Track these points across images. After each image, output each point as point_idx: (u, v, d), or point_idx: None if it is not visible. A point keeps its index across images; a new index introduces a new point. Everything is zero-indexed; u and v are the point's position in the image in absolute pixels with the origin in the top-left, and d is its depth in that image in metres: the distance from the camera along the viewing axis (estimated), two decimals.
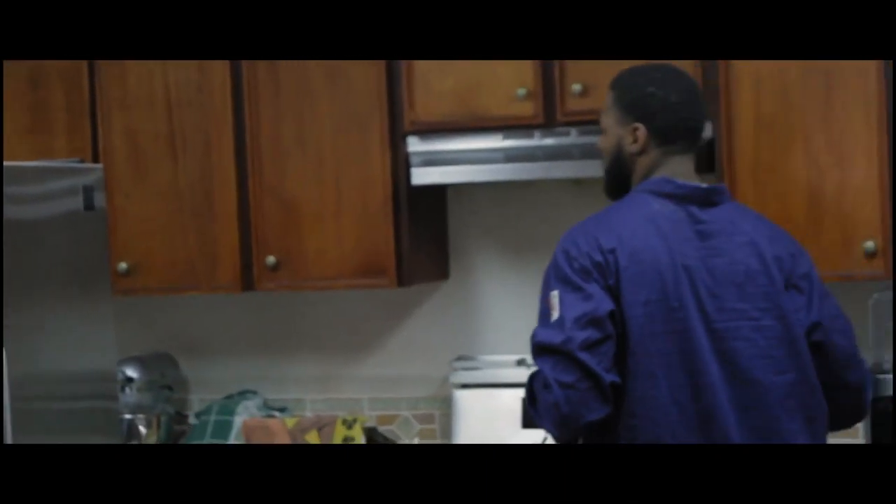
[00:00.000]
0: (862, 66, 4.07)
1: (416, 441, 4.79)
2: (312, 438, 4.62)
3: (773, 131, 4.12)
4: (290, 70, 4.54)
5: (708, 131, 4.17)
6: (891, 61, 4.04)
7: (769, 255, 3.08)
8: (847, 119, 4.08)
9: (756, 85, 4.14)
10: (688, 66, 4.13)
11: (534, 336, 2.98)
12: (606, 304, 2.94)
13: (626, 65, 4.13)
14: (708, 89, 4.18)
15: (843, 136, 4.09)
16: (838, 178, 4.09)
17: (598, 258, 2.99)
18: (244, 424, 4.68)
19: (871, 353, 4.21)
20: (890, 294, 4.22)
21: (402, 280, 4.51)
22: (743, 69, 4.14)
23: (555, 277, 3.00)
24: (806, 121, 4.11)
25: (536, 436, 4.43)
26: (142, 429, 4.69)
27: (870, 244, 4.06)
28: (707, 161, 4.22)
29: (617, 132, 3.21)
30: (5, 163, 3.81)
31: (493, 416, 4.58)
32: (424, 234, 4.64)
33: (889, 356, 4.17)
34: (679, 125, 3.16)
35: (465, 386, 4.64)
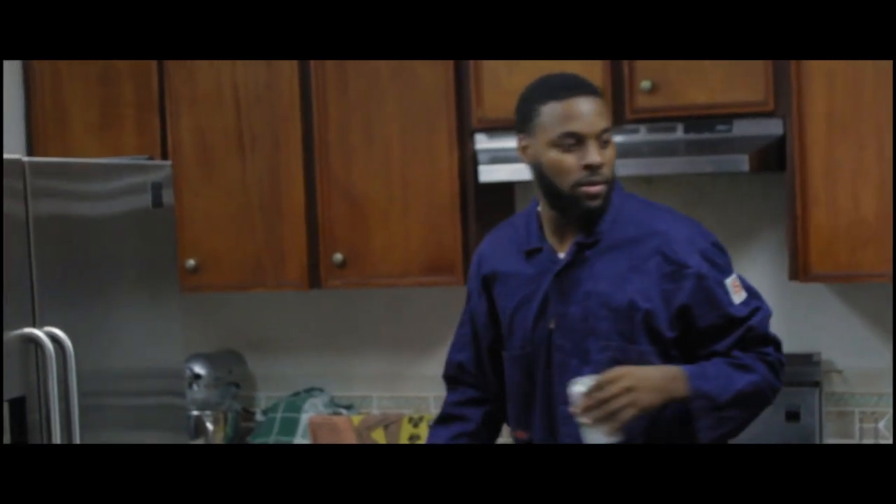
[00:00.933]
0: None
1: None
2: (378, 436, 4.62)
3: (845, 129, 4.07)
4: (358, 67, 4.54)
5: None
6: None
7: None
8: None
9: (828, 82, 4.09)
10: (758, 64, 4.11)
11: (759, 308, 3.06)
12: None
13: (696, 64, 4.14)
14: (779, 86, 4.14)
15: None
16: None
17: None
18: (310, 422, 4.68)
19: None
20: None
21: None
22: (815, 66, 4.09)
23: (728, 264, 3.08)
24: (879, 118, 4.05)
25: None
26: (209, 425, 4.71)
27: None
28: (778, 159, 4.18)
29: None
30: (74, 159, 3.83)
31: None
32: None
33: None
34: None
35: None
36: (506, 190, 4.73)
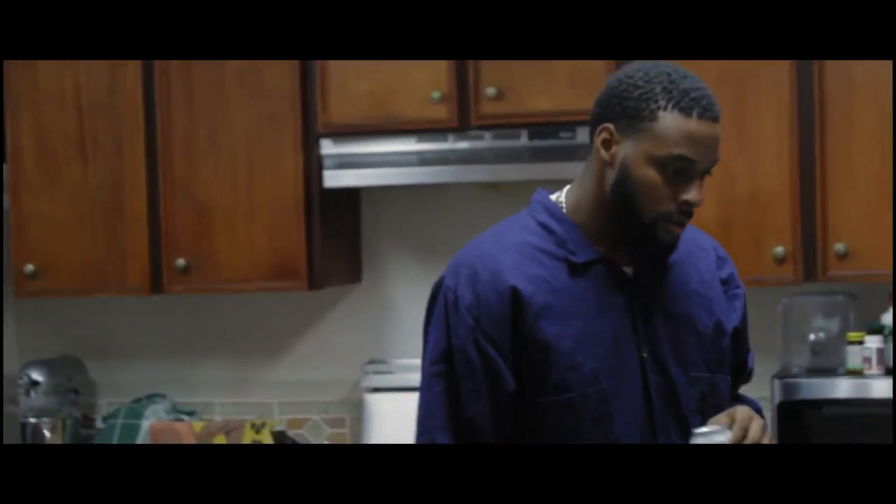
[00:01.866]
0: (775, 74, 4.10)
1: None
2: (220, 442, 4.58)
3: None
4: (203, 70, 4.49)
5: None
6: (803, 71, 4.08)
7: None
8: (759, 125, 4.11)
9: None
10: (601, 72, 4.16)
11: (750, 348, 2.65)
12: None
13: (540, 71, 4.18)
14: None
15: (754, 141, 4.11)
16: (749, 183, 4.12)
17: None
18: (151, 428, 4.63)
19: (781, 357, 4.24)
20: (798, 299, 4.25)
21: (314, 283, 4.48)
22: None
23: None
24: None
25: None
26: (46, 433, 4.61)
27: (779, 249, 4.10)
28: None
29: None
30: None
31: (404, 420, 4.53)
32: (337, 236, 4.61)
33: (798, 360, 4.21)
34: None
35: (376, 390, 4.62)
36: (352, 195, 4.72)
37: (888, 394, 3.93)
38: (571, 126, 4.25)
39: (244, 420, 4.67)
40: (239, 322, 4.87)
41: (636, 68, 2.43)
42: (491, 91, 4.26)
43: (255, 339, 4.86)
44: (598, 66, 4.17)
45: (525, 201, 4.63)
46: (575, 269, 2.44)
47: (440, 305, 2.47)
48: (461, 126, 4.32)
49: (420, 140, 4.37)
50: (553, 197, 2.54)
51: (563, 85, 4.22)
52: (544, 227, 2.48)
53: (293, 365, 4.82)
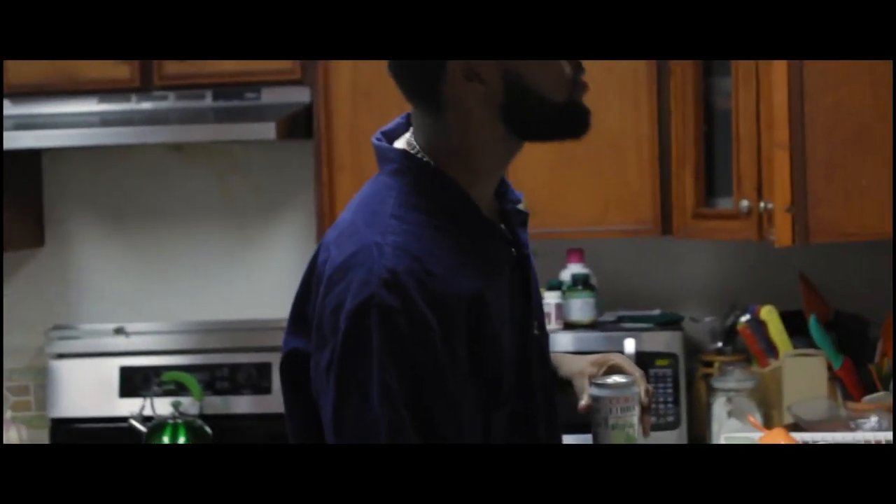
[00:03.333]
0: None
1: (8, 414, 4.63)
2: None
3: (369, 98, 4.19)
4: None
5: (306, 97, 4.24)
6: None
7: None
8: None
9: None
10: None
11: None
12: None
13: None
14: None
15: None
16: None
17: None
18: None
19: None
20: None
21: None
22: None
23: None
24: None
25: (134, 405, 4.38)
26: None
27: None
28: (306, 127, 4.25)
29: None
30: None
31: (91, 386, 4.49)
32: (17, 200, 4.49)
33: None
34: None
35: (61, 356, 4.54)
36: (33, 157, 4.61)
37: (568, 347, 4.08)
38: (256, 87, 4.26)
39: None
40: None
41: None
42: None
43: None
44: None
45: (212, 163, 4.66)
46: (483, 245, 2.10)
47: None
48: (144, 86, 4.27)
49: (102, 100, 4.30)
50: (411, 150, 2.18)
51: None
52: (438, 203, 2.12)
53: None
